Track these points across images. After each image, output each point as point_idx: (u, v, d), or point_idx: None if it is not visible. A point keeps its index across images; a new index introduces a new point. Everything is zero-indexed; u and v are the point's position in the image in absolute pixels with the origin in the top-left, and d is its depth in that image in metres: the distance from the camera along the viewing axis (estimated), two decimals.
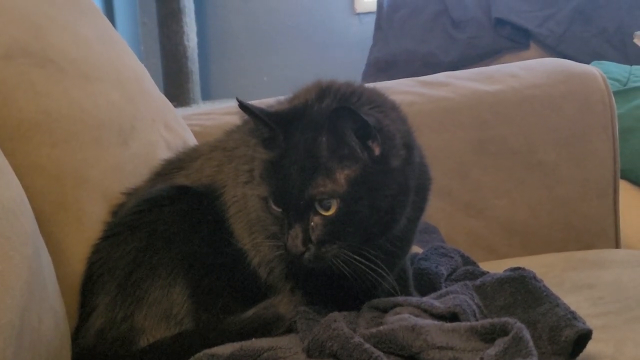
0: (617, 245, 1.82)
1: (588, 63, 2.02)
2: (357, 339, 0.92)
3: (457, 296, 1.06)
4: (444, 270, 1.28)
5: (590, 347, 0.98)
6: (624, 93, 2.49)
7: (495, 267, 1.27)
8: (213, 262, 1.15)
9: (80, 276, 1.19)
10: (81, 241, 1.21)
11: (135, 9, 3.98)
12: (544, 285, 1.10)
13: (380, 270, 1.04)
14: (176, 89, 3.70)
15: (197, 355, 1.00)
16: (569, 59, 1.98)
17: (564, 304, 1.04)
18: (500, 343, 0.87)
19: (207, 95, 3.92)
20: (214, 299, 1.13)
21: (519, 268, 1.15)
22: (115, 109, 1.38)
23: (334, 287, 1.10)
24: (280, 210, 1.04)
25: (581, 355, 0.98)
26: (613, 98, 1.80)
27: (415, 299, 1.08)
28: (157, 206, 1.18)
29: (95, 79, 1.36)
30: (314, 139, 1.02)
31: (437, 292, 1.15)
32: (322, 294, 1.12)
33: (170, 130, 1.57)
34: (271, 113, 1.06)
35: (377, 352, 0.89)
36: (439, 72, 2.01)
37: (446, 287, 1.20)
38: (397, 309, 1.04)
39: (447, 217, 1.79)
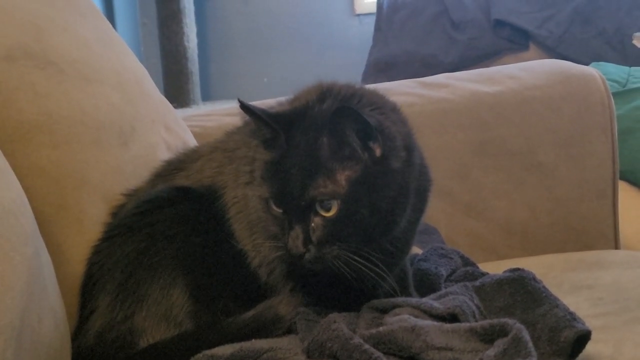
0: (616, 246, 1.82)
1: (587, 64, 2.03)
2: (357, 339, 0.92)
3: (457, 297, 1.06)
4: (443, 271, 1.28)
5: (590, 347, 0.98)
6: (623, 94, 2.50)
7: (495, 268, 1.27)
8: (213, 263, 1.15)
9: (80, 277, 1.19)
10: (81, 242, 1.21)
11: (135, 10, 3.98)
12: (543, 286, 1.10)
13: (380, 271, 1.04)
14: (176, 89, 3.70)
15: (197, 356, 1.00)
16: (568, 60, 1.98)
17: (563, 304, 1.04)
18: (500, 344, 0.87)
19: (207, 96, 3.92)
20: (214, 300, 1.13)
21: (518, 269, 1.15)
22: (115, 111, 1.38)
23: (334, 288, 1.11)
24: (280, 211, 1.04)
25: (580, 355, 0.98)
26: (612, 99, 1.80)
27: (414, 299, 1.08)
28: (157, 207, 1.18)
29: (95, 80, 1.36)
30: (315, 139, 1.02)
31: (436, 293, 1.15)
32: (322, 295, 1.13)
33: (171, 131, 1.57)
34: (272, 114, 1.07)
35: (377, 353, 0.89)
36: (438, 73, 2.02)
37: (446, 288, 1.20)
38: (397, 310, 1.04)
39: (447, 217, 1.80)
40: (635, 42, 2.93)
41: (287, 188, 1.02)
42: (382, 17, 3.46)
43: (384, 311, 1.07)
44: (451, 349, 0.90)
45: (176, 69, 3.73)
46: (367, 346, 0.91)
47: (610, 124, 1.79)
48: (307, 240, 1.02)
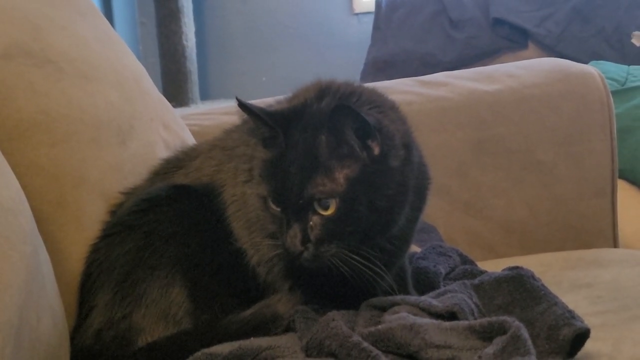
0: (615, 244, 1.82)
1: (586, 63, 2.02)
2: (356, 337, 0.92)
3: (456, 295, 1.06)
4: (442, 270, 1.28)
5: (589, 345, 0.98)
6: (622, 93, 2.49)
7: (494, 266, 1.27)
8: (212, 261, 1.15)
9: (79, 275, 1.19)
10: (80, 240, 1.21)
11: (133, 9, 3.97)
12: (542, 284, 1.10)
13: (378, 270, 1.04)
14: (175, 89, 3.70)
15: (196, 354, 0.99)
16: (567, 58, 1.98)
17: (562, 302, 1.04)
18: (499, 342, 0.87)
19: (205, 95, 3.92)
20: (213, 298, 1.13)
21: (517, 267, 1.15)
22: (113, 109, 1.37)
23: (332, 287, 1.10)
24: (279, 209, 1.04)
25: (579, 354, 0.98)
26: (611, 97, 1.80)
27: (413, 297, 1.08)
28: (156, 205, 1.18)
29: (94, 79, 1.36)
30: (314, 138, 1.02)
31: (435, 291, 1.15)
32: (320, 293, 1.12)
33: (169, 130, 1.57)
34: (271, 112, 1.06)
35: (375, 351, 0.89)
36: (437, 72, 2.02)
37: (444, 286, 1.20)
38: (396, 308, 1.04)
39: (445, 216, 1.80)
40: (634, 40, 2.93)
41: (285, 186, 1.02)
42: (381, 15, 3.46)
43: (383, 309, 1.07)
44: (450, 347, 0.89)
45: (175, 68, 3.73)
46: (365, 344, 0.91)
47: (609, 123, 1.79)
48: (305, 239, 1.02)
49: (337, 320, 0.97)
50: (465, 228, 1.81)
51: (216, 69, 4.04)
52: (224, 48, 4.05)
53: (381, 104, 1.12)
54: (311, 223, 1.02)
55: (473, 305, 1.05)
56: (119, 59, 1.51)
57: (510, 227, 1.82)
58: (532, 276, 1.12)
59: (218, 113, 1.91)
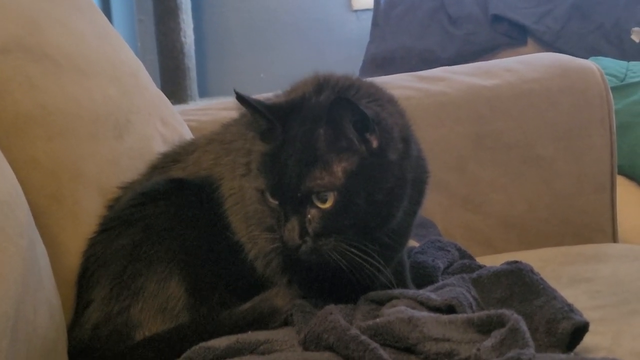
0: (614, 240, 1.81)
1: (585, 59, 2.02)
2: (354, 331, 0.92)
3: (454, 289, 1.06)
4: (440, 264, 1.27)
5: (588, 339, 0.98)
6: (621, 89, 2.49)
7: (493, 262, 1.27)
8: (209, 255, 1.14)
9: (76, 270, 1.19)
10: (77, 235, 1.21)
11: (131, 6, 3.96)
12: (541, 278, 1.10)
13: (377, 264, 1.04)
14: (173, 85, 3.69)
15: (193, 348, 0.99)
16: (566, 54, 1.98)
17: (561, 296, 1.04)
18: (497, 334, 0.87)
19: (204, 92, 3.91)
20: (210, 292, 1.13)
21: (515, 261, 1.15)
22: (111, 104, 1.37)
23: (330, 280, 1.10)
24: (277, 202, 1.04)
25: (578, 347, 0.98)
26: (610, 92, 1.79)
27: (411, 291, 1.07)
28: (153, 199, 1.18)
29: (91, 73, 1.36)
30: (312, 131, 1.02)
31: (433, 285, 1.15)
32: (318, 287, 1.12)
33: (167, 124, 1.56)
34: (269, 105, 1.06)
35: (374, 344, 0.88)
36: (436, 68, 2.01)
37: (443, 280, 1.20)
38: (394, 302, 1.03)
39: (444, 211, 1.79)
40: (633, 36, 2.93)
41: (283, 180, 1.01)
42: (380, 12, 3.45)
43: (381, 303, 1.06)
44: (448, 340, 0.89)
45: (173, 65, 3.72)
46: (363, 337, 0.90)
47: (608, 117, 1.79)
48: (303, 232, 1.01)
49: (335, 313, 0.97)
50: (463, 223, 1.81)
51: (215, 66, 4.03)
52: (222, 45, 4.05)
53: (379, 97, 1.11)
54: (309, 216, 1.01)
55: (471, 299, 1.05)
56: (116, 54, 1.51)
57: (509, 222, 1.81)
58: (531, 270, 1.11)
59: (216, 109, 1.90)
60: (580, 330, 0.97)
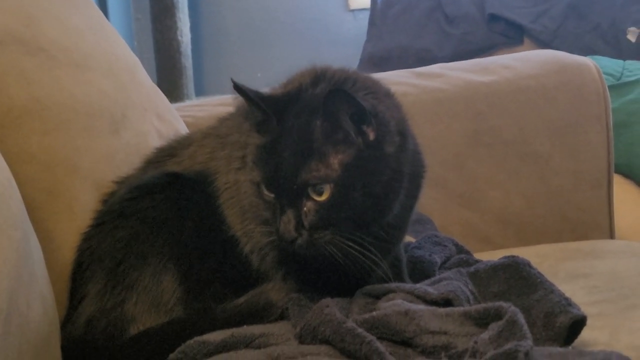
0: (611, 236, 1.81)
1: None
2: (350, 323, 0.91)
3: (451, 282, 1.05)
4: (437, 259, 1.27)
5: (586, 334, 0.98)
6: (617, 87, 2.49)
7: (490, 258, 1.26)
8: (204, 249, 1.14)
9: (70, 264, 1.18)
10: (71, 229, 1.20)
11: (128, 5, 3.95)
12: (539, 272, 1.09)
13: (373, 257, 1.03)
14: (170, 84, 3.67)
15: (188, 342, 0.98)
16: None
17: (559, 290, 1.04)
18: (495, 327, 0.86)
19: (200, 91, 3.90)
20: (205, 286, 1.12)
21: (513, 256, 1.14)
22: (107, 98, 1.37)
23: (326, 274, 1.09)
24: (272, 195, 1.03)
25: (576, 342, 0.97)
26: (607, 89, 1.79)
27: (408, 285, 1.07)
28: (148, 193, 1.17)
29: (86, 67, 1.35)
30: (308, 123, 1.01)
31: (430, 279, 1.14)
32: (314, 281, 1.11)
33: (163, 120, 1.56)
34: (265, 96, 1.06)
35: (370, 337, 0.88)
36: None
37: (440, 274, 1.19)
38: (390, 295, 1.03)
39: (441, 207, 1.79)
40: (629, 36, 2.93)
41: (279, 172, 1.01)
42: (377, 11, 3.45)
43: (377, 297, 1.06)
44: (445, 333, 0.89)
45: (170, 64, 3.71)
46: (360, 330, 0.89)
47: (605, 114, 1.79)
48: (299, 225, 1.01)
49: (331, 306, 0.96)
50: (461, 220, 1.80)
51: (211, 64, 4.03)
52: (219, 44, 4.04)
53: (376, 90, 1.11)
54: (305, 209, 1.00)
55: (469, 293, 1.04)
56: (112, 49, 1.50)
57: (506, 218, 1.81)
58: (528, 264, 1.11)
59: (212, 104, 1.90)
60: (578, 324, 0.96)
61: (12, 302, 0.88)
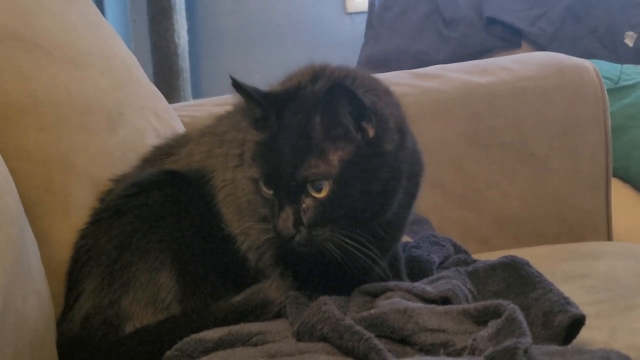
0: (609, 238, 1.81)
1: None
2: (348, 321, 0.90)
3: (450, 281, 1.05)
4: (435, 258, 1.27)
5: (584, 334, 0.97)
6: (615, 91, 2.49)
7: (487, 259, 1.26)
8: (201, 246, 1.13)
9: (67, 262, 1.18)
10: (67, 226, 1.20)
11: (125, 7, 3.95)
12: (537, 271, 1.09)
13: (372, 255, 1.02)
14: (167, 86, 3.67)
15: (185, 339, 0.98)
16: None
17: (558, 289, 1.03)
18: (494, 324, 0.86)
19: (197, 93, 3.89)
20: (202, 283, 1.12)
21: (511, 255, 1.14)
22: (103, 96, 1.36)
23: (324, 272, 1.09)
24: (271, 192, 1.02)
25: (575, 341, 0.97)
26: (606, 91, 1.79)
27: (406, 283, 1.06)
28: (146, 190, 1.16)
29: (83, 64, 1.35)
30: (307, 119, 1.01)
31: (428, 277, 1.14)
32: (312, 279, 1.11)
33: (160, 118, 1.55)
34: (264, 93, 1.05)
35: (368, 334, 0.87)
36: None
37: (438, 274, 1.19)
38: (388, 294, 1.03)
39: (439, 208, 1.78)
40: (626, 40, 2.93)
41: (277, 168, 1.00)
42: (374, 14, 3.45)
43: (375, 295, 1.05)
44: (444, 331, 0.88)
45: (167, 66, 3.70)
46: (358, 327, 0.89)
47: (603, 116, 1.78)
48: (297, 222, 1.00)
49: (329, 304, 0.96)
50: (458, 221, 1.80)
51: (208, 67, 4.02)
52: (216, 46, 4.04)
53: (376, 87, 1.11)
54: (304, 206, 1.00)
55: (467, 291, 1.04)
56: (109, 47, 1.49)
57: (504, 220, 1.81)
58: (527, 263, 1.10)
59: (210, 104, 1.89)
60: (577, 323, 0.96)
61: (8, 298, 0.88)
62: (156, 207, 1.14)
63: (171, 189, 1.16)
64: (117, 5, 3.89)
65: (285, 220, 1.00)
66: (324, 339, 0.92)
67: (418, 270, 1.24)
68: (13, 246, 0.92)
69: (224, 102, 1.75)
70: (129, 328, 1.09)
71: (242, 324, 1.02)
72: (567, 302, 0.98)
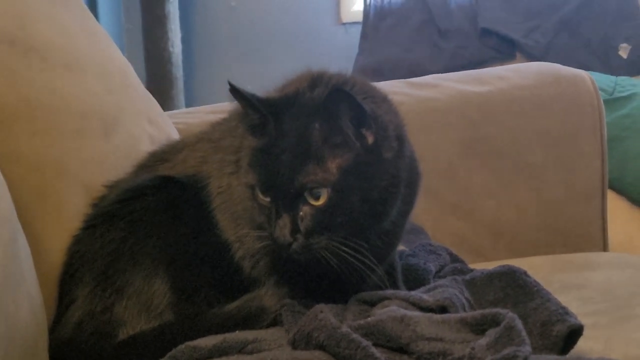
0: (605, 248, 1.81)
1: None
2: (345, 328, 0.89)
3: (447, 289, 1.04)
4: (432, 267, 1.26)
5: (581, 344, 0.96)
6: (610, 103, 2.50)
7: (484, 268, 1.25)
8: (196, 253, 1.12)
9: (60, 267, 1.16)
10: (60, 232, 1.18)
11: (119, 15, 3.95)
12: (535, 281, 1.08)
13: (369, 263, 1.01)
14: (160, 95, 3.65)
15: (179, 347, 0.96)
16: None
17: (555, 299, 1.02)
18: (492, 333, 0.85)
19: (191, 102, 3.89)
20: (196, 291, 1.10)
21: (509, 265, 1.13)
22: (97, 101, 1.35)
23: (321, 280, 1.08)
24: (268, 199, 1.01)
25: (572, 351, 0.96)
26: (602, 101, 1.79)
27: (403, 292, 1.05)
28: (140, 195, 1.15)
29: (78, 69, 1.34)
30: (306, 125, 0.99)
31: (425, 286, 1.13)
32: (308, 287, 1.09)
33: (155, 124, 1.54)
34: (262, 98, 1.04)
35: (365, 342, 0.86)
36: None
37: (434, 283, 1.18)
38: (385, 302, 1.01)
39: (433, 218, 1.77)
40: (620, 52, 2.94)
41: (275, 175, 0.99)
42: (369, 24, 3.46)
43: (372, 304, 1.04)
44: (441, 340, 0.87)
45: (160, 74, 3.69)
46: (354, 335, 0.87)
47: (599, 126, 1.79)
48: (294, 230, 0.99)
49: (325, 312, 0.94)
50: (453, 231, 1.79)
51: (202, 75, 4.02)
52: (210, 55, 4.03)
53: (374, 94, 1.10)
54: (301, 213, 0.99)
55: (464, 300, 1.03)
56: (103, 52, 1.49)
57: (499, 230, 1.80)
58: (525, 273, 1.10)
59: (204, 112, 1.89)
60: (575, 333, 0.95)
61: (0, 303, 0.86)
62: (150, 212, 1.13)
63: (166, 195, 1.15)
64: (111, 14, 3.88)
65: (283, 227, 0.98)
66: (320, 347, 0.90)
67: (414, 278, 1.23)
68: (4, 250, 0.91)
69: (218, 109, 1.74)
70: (122, 335, 1.07)
71: (237, 331, 1.00)
72: (565, 311, 0.97)
